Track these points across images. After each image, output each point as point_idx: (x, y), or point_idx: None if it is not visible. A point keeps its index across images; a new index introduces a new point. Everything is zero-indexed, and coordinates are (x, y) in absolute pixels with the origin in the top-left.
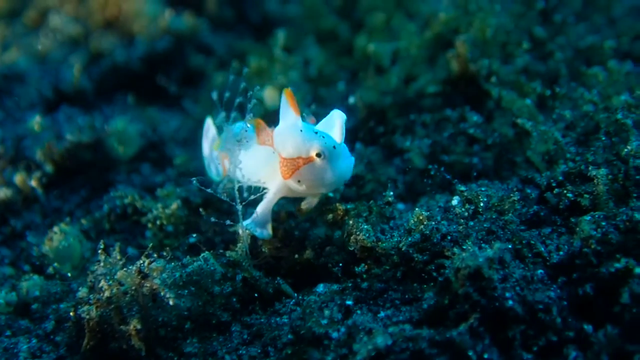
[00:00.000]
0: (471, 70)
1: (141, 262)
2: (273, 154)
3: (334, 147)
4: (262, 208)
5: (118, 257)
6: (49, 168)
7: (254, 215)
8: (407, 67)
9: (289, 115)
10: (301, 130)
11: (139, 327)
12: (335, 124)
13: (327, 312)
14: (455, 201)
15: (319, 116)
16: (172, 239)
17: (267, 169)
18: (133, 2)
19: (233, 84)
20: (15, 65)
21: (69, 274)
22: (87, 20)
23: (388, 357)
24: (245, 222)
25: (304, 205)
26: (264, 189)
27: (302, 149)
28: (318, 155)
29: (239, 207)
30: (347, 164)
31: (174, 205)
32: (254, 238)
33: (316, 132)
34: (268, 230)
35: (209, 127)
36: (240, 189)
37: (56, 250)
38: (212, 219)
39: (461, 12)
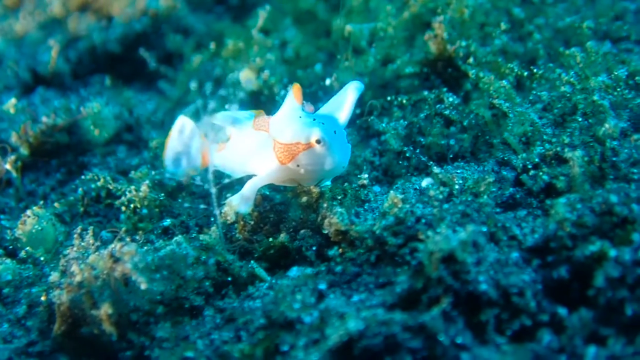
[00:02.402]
0: (449, 51)
1: (113, 245)
2: (267, 139)
3: (335, 132)
4: (250, 185)
5: (91, 241)
6: (24, 151)
7: (241, 191)
8: (385, 48)
9: (291, 101)
10: (300, 117)
11: (110, 311)
12: (346, 98)
13: (299, 296)
14: (425, 183)
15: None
16: (146, 222)
17: (261, 155)
18: None
19: (209, 68)
20: None
21: (42, 258)
22: (66, 2)
23: (360, 342)
24: (231, 198)
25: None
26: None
27: (301, 134)
28: (318, 141)
29: (213, 190)
30: (345, 150)
31: (144, 187)
32: (227, 222)
33: (314, 119)
34: (248, 209)
35: (186, 124)
36: (215, 173)
37: (29, 234)
38: (186, 204)
39: None
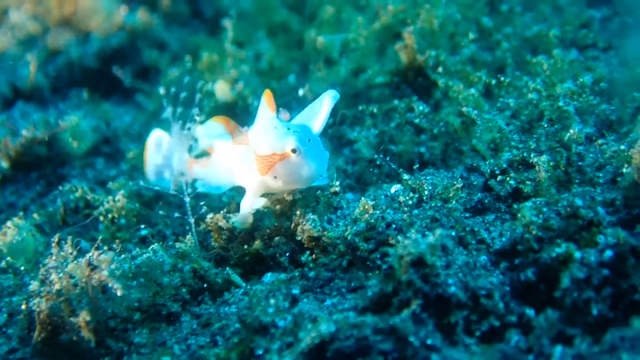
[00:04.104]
0: (419, 61)
1: (90, 254)
2: (248, 152)
3: (309, 140)
4: (244, 208)
5: (70, 251)
6: (4, 164)
7: (240, 213)
8: (356, 58)
9: (265, 112)
10: (275, 127)
11: (88, 318)
12: (322, 107)
13: (273, 301)
14: (393, 189)
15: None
16: (124, 232)
17: (243, 168)
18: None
19: (184, 80)
20: None
21: (22, 268)
22: (45, 18)
23: (332, 344)
24: (232, 220)
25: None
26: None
27: (276, 145)
28: (293, 150)
29: (187, 199)
30: (321, 157)
31: (119, 196)
32: (203, 231)
33: (289, 128)
34: (247, 223)
35: (162, 137)
36: (187, 183)
37: (9, 245)
38: (160, 212)
39: (410, 3)
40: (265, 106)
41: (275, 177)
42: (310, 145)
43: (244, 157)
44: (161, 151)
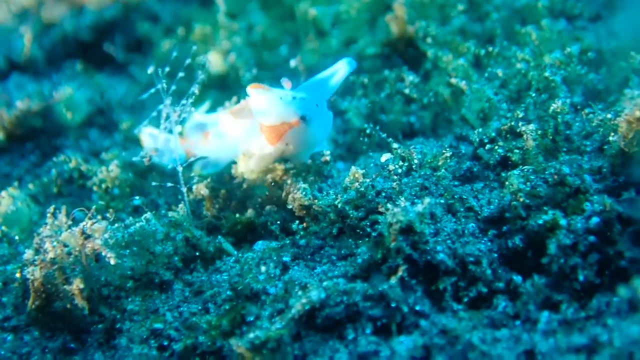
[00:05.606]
0: (409, 32)
1: (84, 223)
2: (252, 124)
3: (317, 105)
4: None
5: (64, 220)
6: None
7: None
8: (348, 30)
9: (263, 91)
10: (281, 98)
11: (81, 286)
12: (338, 71)
13: (264, 269)
14: (383, 158)
15: (262, 80)
16: (118, 202)
17: (249, 140)
18: None
19: (177, 54)
20: None
21: (17, 237)
22: None
23: (322, 310)
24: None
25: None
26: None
27: (284, 115)
28: (302, 118)
29: (180, 169)
30: (327, 119)
31: (113, 166)
32: (196, 200)
33: (294, 97)
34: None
35: (152, 131)
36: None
37: (4, 214)
38: (153, 183)
39: None
40: (259, 89)
41: (287, 144)
42: (317, 110)
43: (248, 130)
44: (156, 140)
